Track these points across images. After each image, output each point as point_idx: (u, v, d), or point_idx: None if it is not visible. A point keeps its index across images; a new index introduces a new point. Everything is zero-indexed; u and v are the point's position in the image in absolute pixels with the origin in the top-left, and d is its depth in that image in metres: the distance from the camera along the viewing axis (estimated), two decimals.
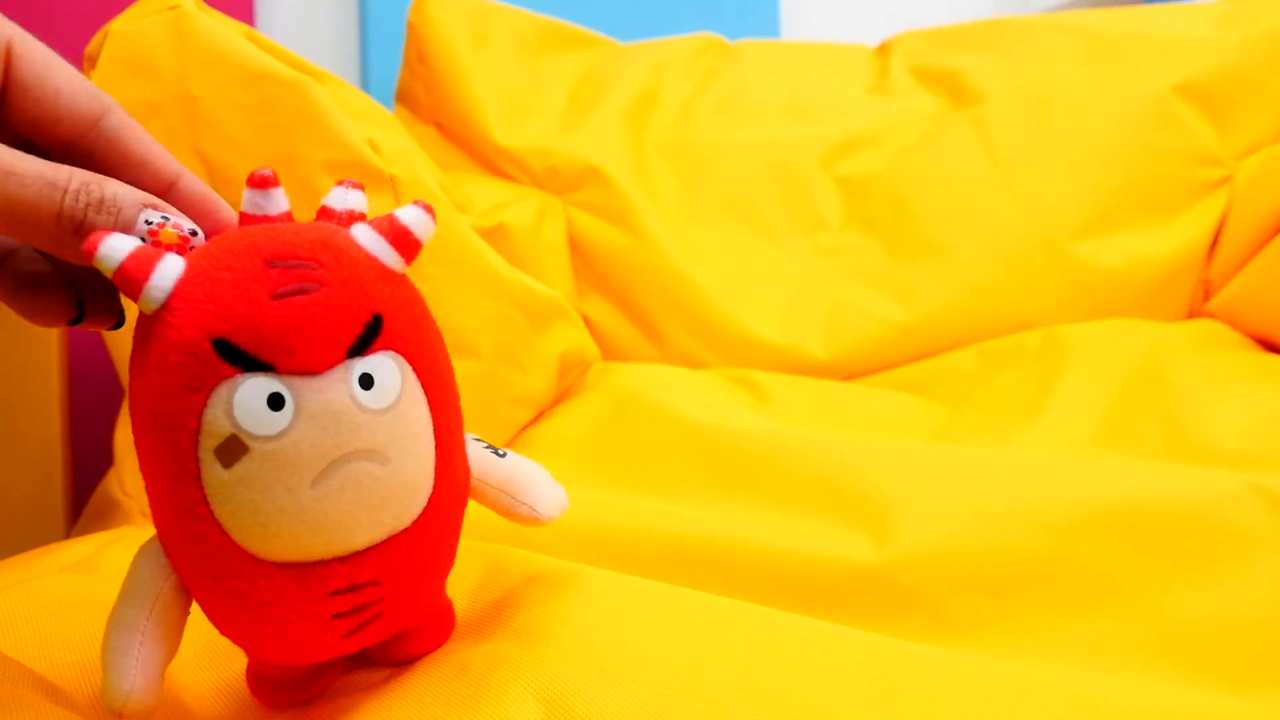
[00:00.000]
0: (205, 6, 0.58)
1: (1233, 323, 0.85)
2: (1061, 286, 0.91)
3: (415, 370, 0.29)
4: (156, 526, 0.29)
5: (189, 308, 0.26)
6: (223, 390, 0.26)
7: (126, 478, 0.66)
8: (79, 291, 0.31)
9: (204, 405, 0.26)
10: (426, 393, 0.29)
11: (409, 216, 0.29)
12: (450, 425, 0.30)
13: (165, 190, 0.30)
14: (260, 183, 0.29)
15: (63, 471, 0.84)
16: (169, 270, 0.26)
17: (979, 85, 1.03)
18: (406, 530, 0.29)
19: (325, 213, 0.30)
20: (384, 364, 0.28)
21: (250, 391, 0.26)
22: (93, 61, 0.56)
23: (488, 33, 1.07)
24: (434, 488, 0.29)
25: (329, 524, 0.27)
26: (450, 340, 0.62)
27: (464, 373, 0.61)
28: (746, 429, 0.58)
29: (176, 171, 0.30)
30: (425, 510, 0.29)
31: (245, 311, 0.26)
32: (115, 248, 0.26)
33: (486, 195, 0.91)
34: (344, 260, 0.27)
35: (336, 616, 0.28)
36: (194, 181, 0.31)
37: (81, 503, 0.81)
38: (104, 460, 0.78)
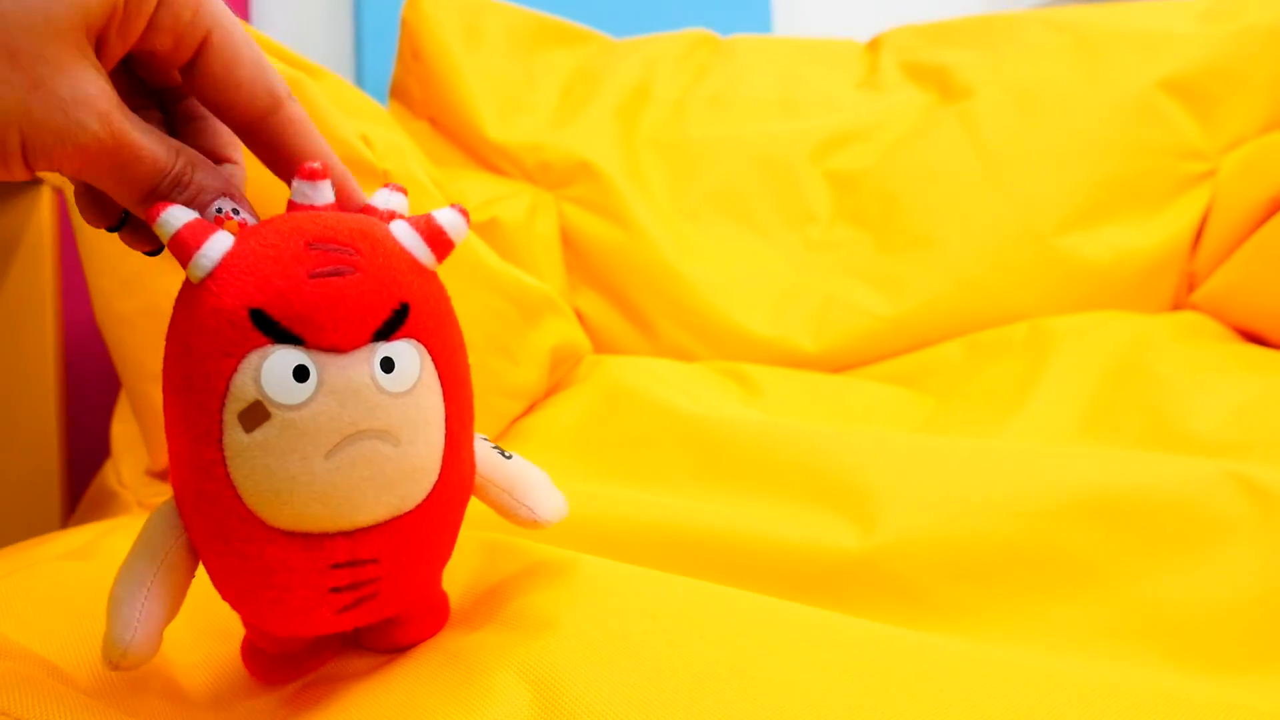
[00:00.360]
0: None
1: (1216, 314, 0.86)
2: (1047, 279, 0.92)
3: (434, 361, 0.30)
4: (174, 486, 0.30)
5: (231, 278, 0.28)
6: (253, 358, 0.27)
7: (124, 470, 0.67)
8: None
9: (234, 370, 0.27)
10: (442, 384, 0.30)
11: (445, 218, 0.31)
12: (461, 418, 0.32)
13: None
14: (309, 175, 0.30)
15: (59, 464, 0.84)
16: (219, 244, 0.28)
17: (967, 80, 1.04)
18: (409, 513, 0.30)
19: (369, 210, 0.32)
20: (406, 350, 0.29)
21: (279, 361, 0.27)
22: None
23: (481, 28, 1.07)
24: (440, 475, 0.31)
25: (337, 496, 0.28)
26: None
27: None
28: (734, 420, 0.59)
29: (323, 157, 0.33)
30: (429, 496, 0.30)
31: (282, 286, 0.27)
32: (174, 216, 0.28)
33: (480, 190, 0.92)
34: (379, 249, 0.29)
35: (334, 590, 0.29)
36: (337, 166, 0.33)
37: (76, 495, 0.81)
38: (99, 453, 0.79)
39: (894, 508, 0.51)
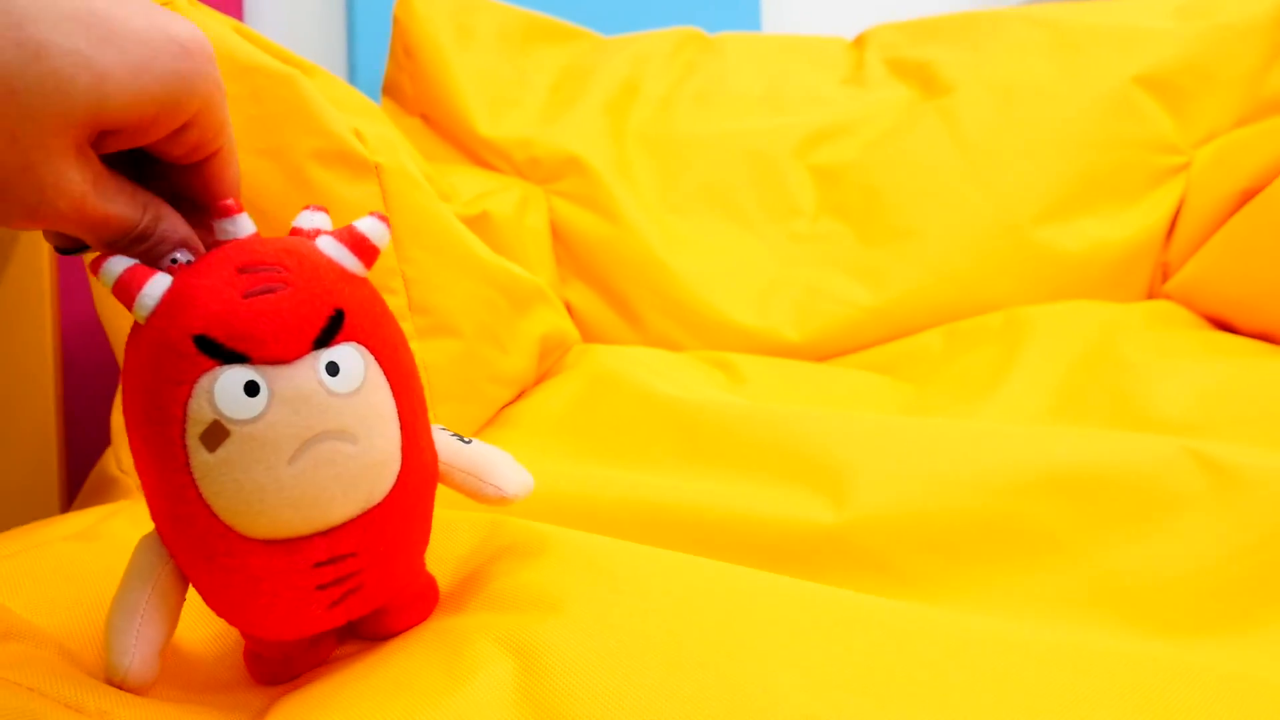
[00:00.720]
0: (196, 2, 0.61)
1: (1188, 303, 0.88)
2: (1025, 270, 0.94)
3: (377, 360, 0.32)
4: (153, 517, 0.32)
5: (172, 311, 0.30)
6: (204, 381, 0.29)
7: (124, 455, 0.69)
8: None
9: (188, 396, 0.29)
10: (389, 380, 0.32)
11: (366, 226, 0.33)
12: (413, 409, 0.33)
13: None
14: (226, 211, 0.32)
15: (57, 455, 0.86)
16: (158, 285, 0.30)
17: (948, 76, 1.06)
18: (379, 505, 0.32)
19: (295, 232, 0.34)
20: (348, 353, 0.31)
21: (228, 380, 0.29)
22: None
23: (472, 26, 1.09)
24: (402, 466, 0.32)
25: (307, 499, 0.30)
26: (433, 320, 0.65)
27: (446, 352, 0.65)
28: (715, 403, 0.61)
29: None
30: (395, 486, 0.32)
31: (220, 310, 0.29)
32: (114, 265, 0.30)
33: (471, 185, 0.94)
34: (306, 264, 0.31)
35: (320, 588, 0.31)
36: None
37: (76, 486, 0.83)
38: (97, 442, 0.81)
39: (866, 484, 0.53)
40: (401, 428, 0.32)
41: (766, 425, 0.58)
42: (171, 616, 0.32)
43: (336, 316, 0.30)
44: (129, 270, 0.30)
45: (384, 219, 0.33)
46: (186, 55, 0.29)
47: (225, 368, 0.29)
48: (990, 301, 0.93)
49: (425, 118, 1.06)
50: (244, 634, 0.35)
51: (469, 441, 0.38)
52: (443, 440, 0.36)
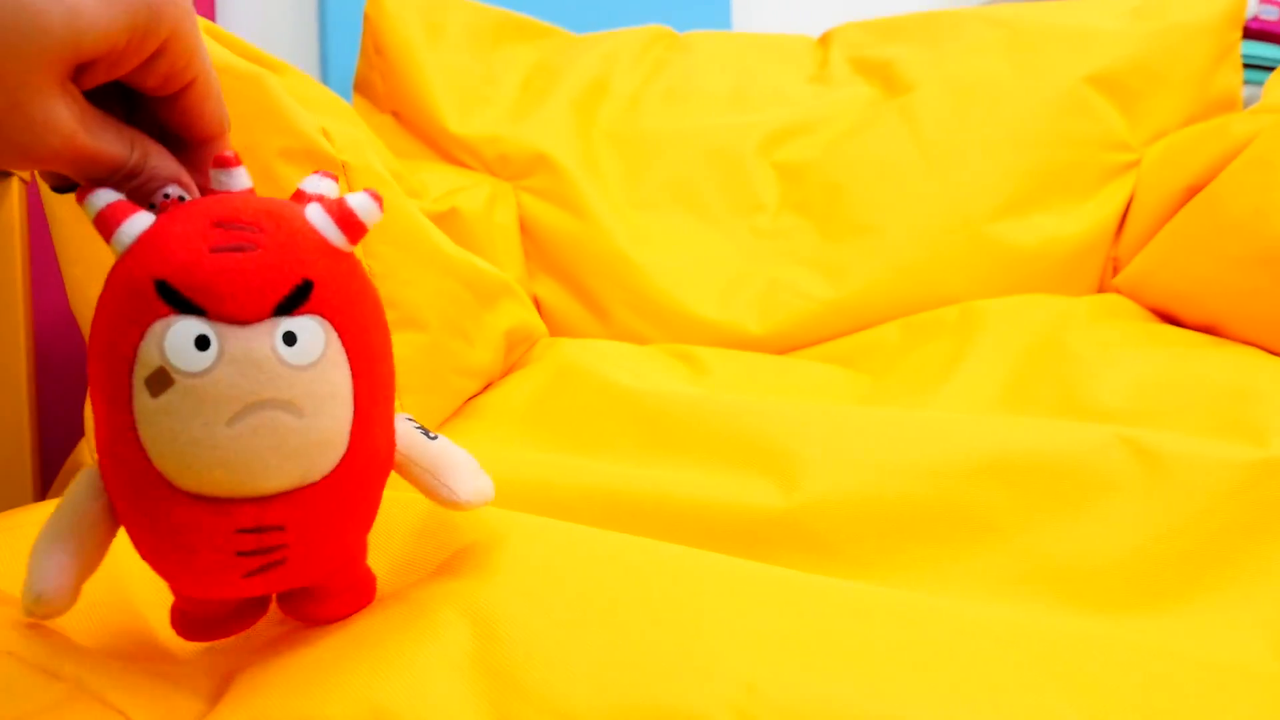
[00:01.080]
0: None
1: (1135, 296, 0.91)
2: (980, 264, 0.97)
3: (342, 337, 0.31)
4: (96, 449, 0.32)
5: (142, 252, 0.30)
6: (158, 327, 0.29)
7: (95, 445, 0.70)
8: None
9: (141, 338, 0.29)
10: (351, 360, 0.31)
11: (356, 201, 0.32)
12: (373, 395, 0.33)
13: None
14: (222, 163, 0.33)
15: (30, 446, 0.87)
16: (138, 223, 0.30)
17: (908, 75, 1.08)
18: (317, 484, 0.31)
19: (298, 195, 0.33)
20: (309, 325, 0.30)
21: (180, 330, 0.29)
22: None
23: (442, 24, 1.11)
24: (348, 449, 0.32)
25: (239, 463, 0.29)
26: (399, 314, 0.67)
27: (412, 344, 0.66)
28: (673, 394, 0.63)
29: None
30: (338, 468, 0.31)
31: (185, 259, 0.29)
32: (99, 198, 0.31)
33: (441, 181, 0.95)
34: (284, 228, 0.31)
35: (240, 554, 0.30)
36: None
37: (48, 477, 0.84)
38: (70, 434, 0.82)
39: (814, 470, 0.55)
40: (356, 411, 0.32)
41: (721, 415, 0.60)
42: (97, 551, 0.32)
43: (303, 286, 0.30)
44: (111, 205, 0.30)
45: (377, 196, 0.33)
46: None
47: (180, 317, 0.29)
48: (946, 295, 0.95)
49: (396, 115, 1.08)
50: (170, 587, 0.34)
51: (434, 437, 0.37)
52: (405, 431, 0.36)
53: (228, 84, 0.59)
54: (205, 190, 0.35)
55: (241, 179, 0.33)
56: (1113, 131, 1.01)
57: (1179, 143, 0.97)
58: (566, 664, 0.34)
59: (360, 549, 0.36)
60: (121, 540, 0.34)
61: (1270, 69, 1.48)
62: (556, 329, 1.00)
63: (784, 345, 0.97)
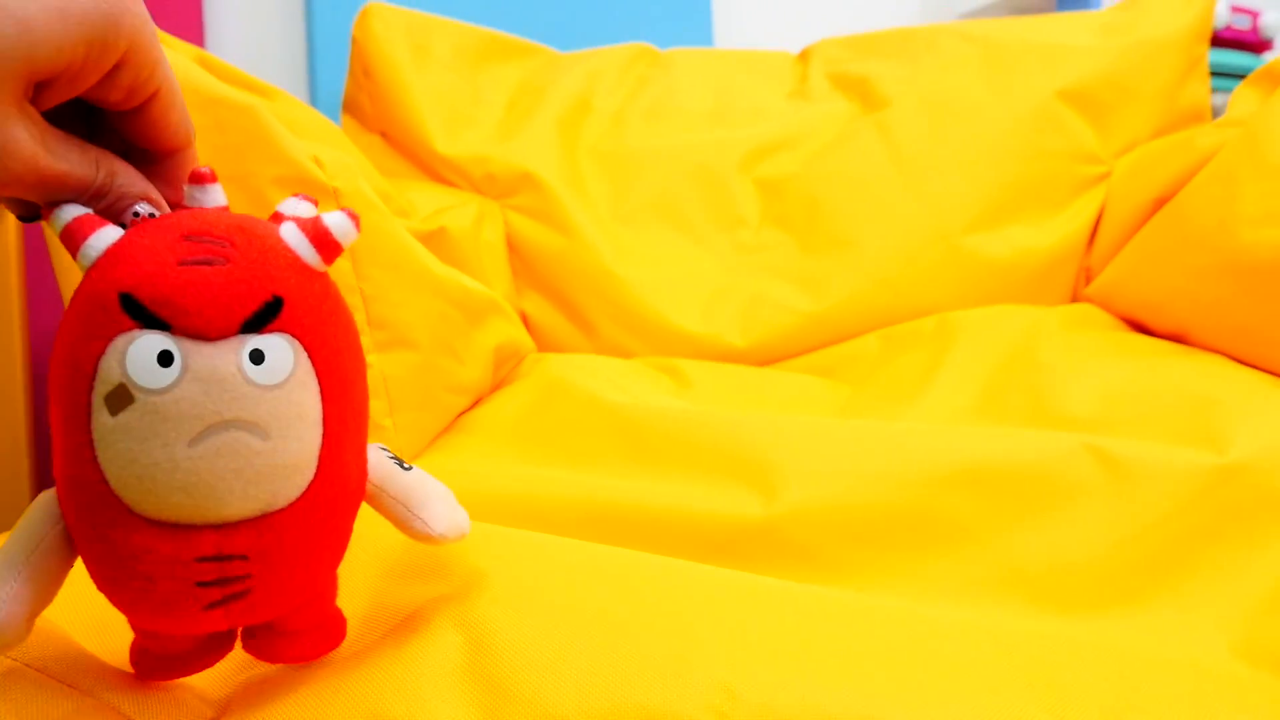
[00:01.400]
0: (159, 35, 0.64)
1: (1106, 306, 0.94)
2: (955, 276, 1.00)
3: (312, 359, 0.30)
4: (55, 471, 0.30)
5: (108, 265, 0.29)
6: (120, 341, 0.28)
7: None
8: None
9: (101, 353, 0.28)
10: (321, 382, 0.30)
11: (332, 220, 0.31)
12: (344, 419, 0.31)
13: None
14: (198, 179, 0.32)
15: (28, 461, 0.88)
16: (105, 236, 0.30)
17: (885, 91, 1.11)
18: (282, 511, 0.29)
19: (276, 216, 0.32)
20: (277, 344, 0.29)
21: (143, 345, 0.28)
22: None
23: (428, 46, 1.13)
24: (316, 475, 0.30)
25: (201, 487, 0.28)
26: (391, 334, 0.69)
27: (404, 364, 0.68)
28: (657, 408, 0.65)
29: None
30: (304, 495, 0.30)
31: (151, 271, 0.28)
32: (66, 212, 0.30)
33: (429, 200, 0.97)
34: (256, 245, 0.30)
35: (201, 585, 0.29)
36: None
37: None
38: None
39: (794, 480, 0.57)
40: (324, 435, 0.30)
41: (703, 428, 0.62)
42: (54, 580, 0.31)
43: (273, 303, 0.29)
44: (78, 219, 0.30)
45: (354, 216, 0.32)
46: None
47: (143, 332, 0.28)
48: (924, 306, 0.98)
49: (384, 135, 1.10)
50: (129, 621, 0.33)
51: (409, 468, 0.36)
52: (378, 460, 0.35)
53: (222, 115, 0.61)
54: (176, 205, 0.34)
55: (216, 196, 0.32)
56: (1084, 145, 1.04)
57: (1147, 155, 1.00)
58: (554, 670, 0.35)
59: (329, 584, 0.34)
60: None
61: (1243, 77, 1.51)
62: (544, 344, 1.02)
63: (766, 357, 0.99)
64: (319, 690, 0.35)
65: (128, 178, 0.32)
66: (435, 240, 0.87)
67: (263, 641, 0.34)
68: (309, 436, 0.30)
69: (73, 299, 0.30)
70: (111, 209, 0.32)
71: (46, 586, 0.30)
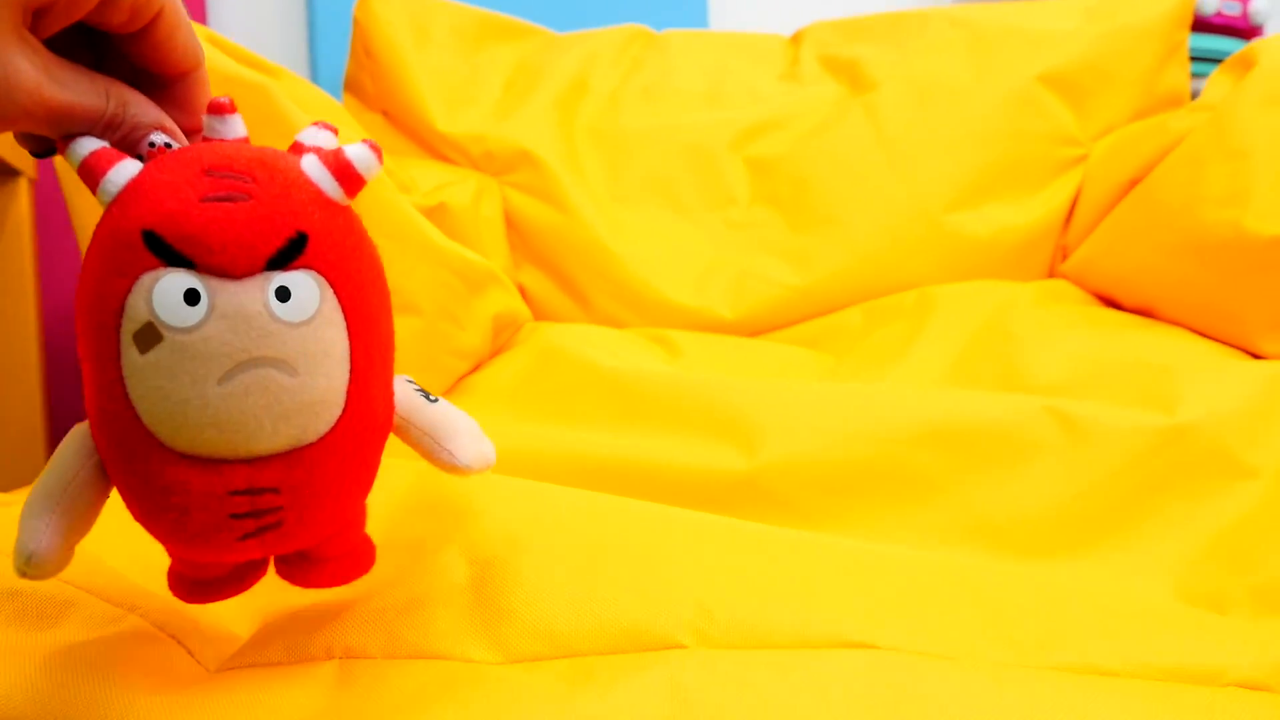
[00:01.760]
0: None
1: (1080, 282, 0.98)
2: (936, 253, 1.03)
3: (338, 294, 0.30)
4: (86, 407, 0.30)
5: (129, 202, 0.28)
6: (146, 279, 0.28)
7: None
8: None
9: (128, 291, 0.28)
10: (347, 318, 0.30)
11: (354, 152, 0.30)
12: (370, 354, 0.31)
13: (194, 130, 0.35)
14: (217, 109, 0.31)
15: (43, 432, 0.92)
16: (124, 170, 0.29)
17: (873, 74, 1.14)
18: (312, 445, 0.30)
19: (296, 146, 0.32)
20: (303, 281, 0.29)
21: (169, 283, 0.27)
22: None
23: (428, 26, 1.16)
24: (345, 409, 0.30)
25: (231, 422, 0.28)
26: (396, 300, 0.72)
27: (408, 329, 0.73)
28: (647, 371, 0.69)
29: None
30: (334, 429, 0.30)
31: (173, 209, 0.28)
32: (82, 145, 0.29)
33: (429, 177, 1.01)
34: (278, 179, 0.29)
35: (233, 516, 0.29)
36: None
37: None
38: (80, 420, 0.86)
39: (773, 437, 0.62)
40: (352, 370, 0.30)
41: (690, 390, 0.66)
42: (89, 512, 0.31)
43: (297, 239, 0.29)
44: (95, 153, 0.29)
45: (375, 148, 0.31)
46: None
47: (169, 270, 0.27)
48: (905, 281, 1.02)
49: (386, 114, 1.13)
50: (166, 550, 0.33)
51: (435, 400, 0.36)
52: (405, 393, 0.35)
53: (235, 94, 0.64)
54: (191, 131, 0.34)
55: (236, 126, 0.31)
56: (1063, 128, 1.08)
57: (1124, 138, 1.04)
58: (550, 595, 0.39)
59: (359, 513, 0.35)
60: None
61: None
62: (540, 315, 1.06)
63: (754, 329, 1.03)
64: (338, 610, 0.39)
65: (140, 107, 0.31)
66: (436, 215, 0.91)
67: (295, 568, 0.35)
68: (336, 372, 0.30)
69: (95, 234, 0.29)
70: (126, 140, 0.31)
71: (83, 517, 0.31)
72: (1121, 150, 1.02)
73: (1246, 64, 0.98)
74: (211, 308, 0.28)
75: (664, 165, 1.12)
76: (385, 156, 0.83)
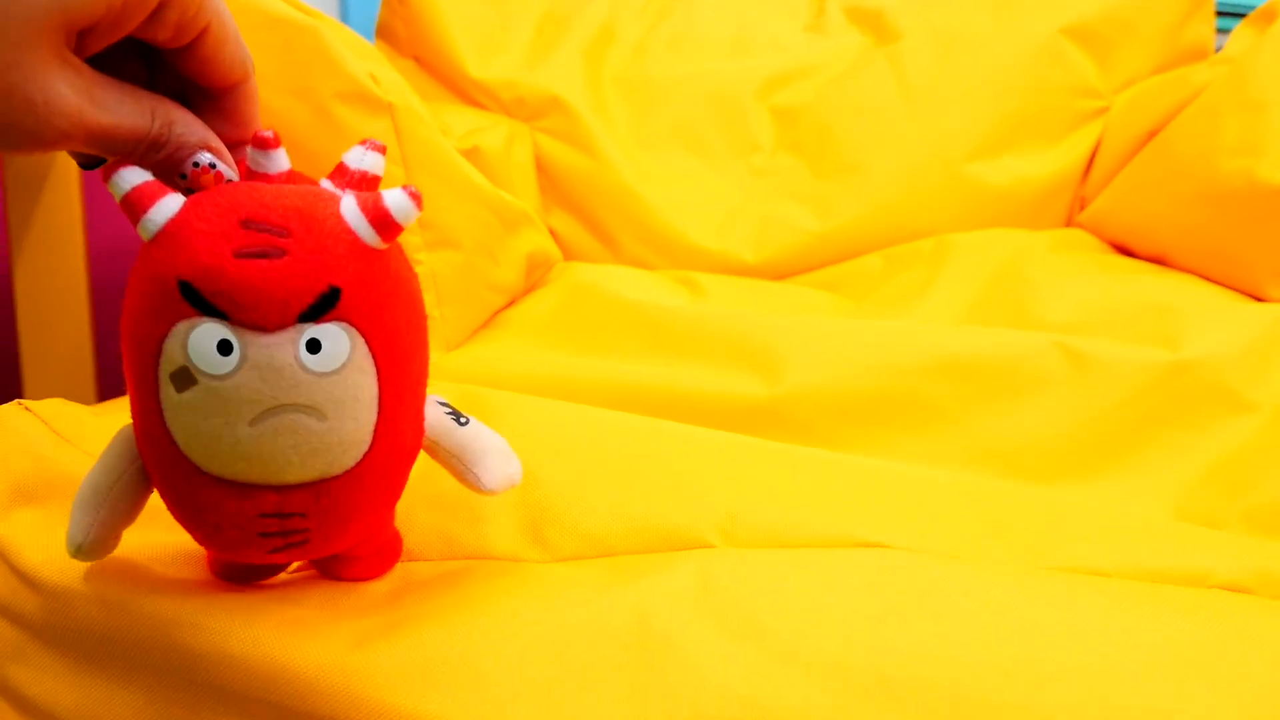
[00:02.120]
0: None
1: (1096, 231, 1.00)
2: (956, 202, 1.06)
3: (369, 342, 0.30)
4: (132, 417, 0.32)
5: (169, 246, 0.29)
6: (181, 327, 0.29)
7: None
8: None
9: (166, 335, 0.29)
10: (378, 364, 0.31)
11: (393, 199, 0.30)
12: (401, 393, 0.32)
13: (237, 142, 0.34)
14: (261, 144, 0.31)
15: (93, 366, 0.95)
16: (166, 208, 0.29)
17: (898, 24, 1.16)
18: (338, 477, 0.31)
19: (340, 169, 0.32)
20: (334, 333, 0.29)
21: (203, 334, 0.29)
22: None
23: None
24: (371, 446, 0.31)
25: (261, 458, 0.30)
26: (438, 235, 0.77)
27: (449, 262, 0.76)
28: (672, 306, 0.73)
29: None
30: (360, 463, 0.31)
31: (209, 263, 0.28)
32: (125, 179, 0.29)
33: (462, 122, 1.04)
34: (314, 231, 0.29)
35: (263, 535, 0.31)
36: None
37: (105, 394, 0.93)
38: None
39: (794, 367, 0.65)
40: (380, 411, 0.31)
41: (714, 323, 0.70)
42: (133, 509, 0.34)
43: (330, 294, 0.29)
44: (137, 189, 0.29)
45: (415, 196, 0.31)
46: None
47: (203, 320, 0.29)
48: (925, 229, 1.04)
49: (418, 59, 1.15)
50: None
51: (465, 422, 0.36)
52: (435, 416, 0.36)
53: (289, 34, 0.68)
54: (236, 143, 0.34)
55: (280, 161, 0.32)
56: (1085, 80, 1.09)
57: (1144, 91, 1.05)
58: (588, 500, 0.42)
59: (386, 519, 0.37)
60: None
61: None
62: (570, 257, 1.09)
63: (776, 273, 1.06)
64: (399, 518, 0.42)
65: (186, 125, 0.31)
66: (470, 159, 0.93)
67: (327, 564, 0.37)
68: (365, 416, 0.31)
69: (136, 269, 0.31)
70: (171, 159, 0.31)
71: (127, 513, 0.34)
72: (1142, 103, 1.04)
73: (1269, 17, 0.99)
74: (243, 359, 0.29)
75: (690, 113, 1.15)
76: (420, 101, 0.85)
